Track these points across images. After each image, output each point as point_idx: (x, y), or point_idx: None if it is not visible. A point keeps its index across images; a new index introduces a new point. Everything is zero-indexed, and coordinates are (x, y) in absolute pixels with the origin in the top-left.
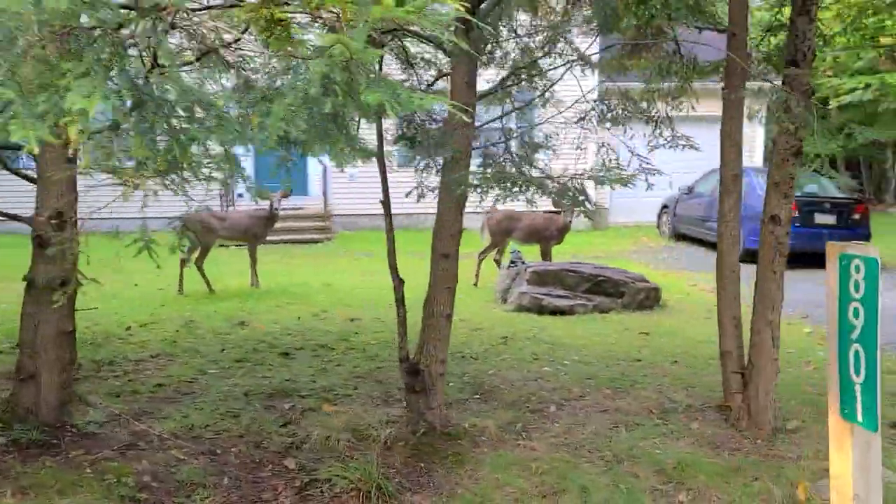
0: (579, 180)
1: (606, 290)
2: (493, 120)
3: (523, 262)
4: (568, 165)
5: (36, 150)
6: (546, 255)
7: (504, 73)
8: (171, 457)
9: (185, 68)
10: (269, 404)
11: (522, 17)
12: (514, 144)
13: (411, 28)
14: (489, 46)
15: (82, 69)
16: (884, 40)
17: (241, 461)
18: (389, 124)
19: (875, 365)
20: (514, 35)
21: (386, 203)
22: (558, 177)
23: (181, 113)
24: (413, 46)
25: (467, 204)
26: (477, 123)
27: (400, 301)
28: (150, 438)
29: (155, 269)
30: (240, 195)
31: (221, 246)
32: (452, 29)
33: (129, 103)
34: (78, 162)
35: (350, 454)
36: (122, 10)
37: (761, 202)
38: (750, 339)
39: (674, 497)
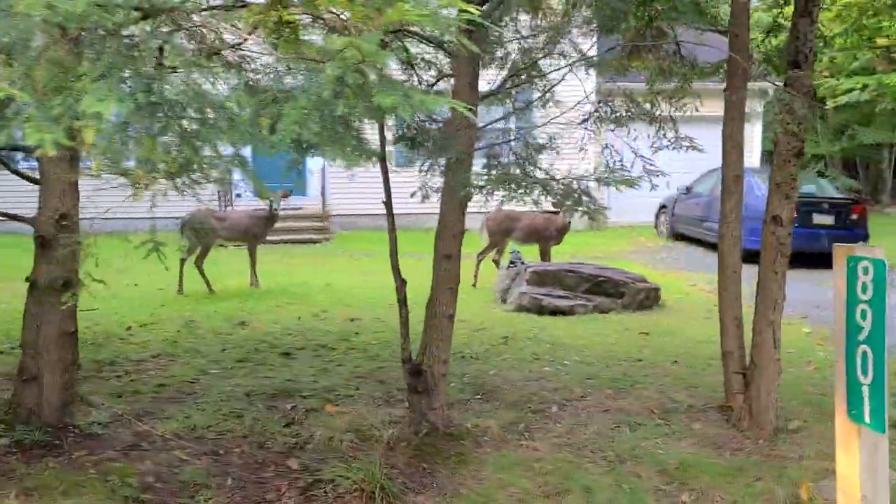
0: (584, 182)
1: (606, 290)
2: (496, 121)
3: (523, 263)
4: (572, 166)
5: (51, 153)
6: (545, 256)
7: (504, 73)
8: (174, 457)
9: (193, 70)
10: (272, 404)
11: (523, 18)
12: (517, 145)
13: (411, 29)
14: (491, 47)
15: (98, 72)
16: (880, 41)
17: (244, 462)
18: (388, 125)
19: (883, 366)
20: (517, 36)
21: (388, 204)
22: (563, 178)
23: (193, 115)
24: (413, 47)
25: (468, 204)
26: (479, 124)
27: (402, 301)
28: (152, 439)
29: (154, 268)
30: (238, 195)
31: (220, 246)
32: (453, 29)
33: (142, 106)
34: (88, 164)
35: (353, 455)
36: (134, 13)
37: (759, 202)
38: (752, 340)
39: (677, 497)
